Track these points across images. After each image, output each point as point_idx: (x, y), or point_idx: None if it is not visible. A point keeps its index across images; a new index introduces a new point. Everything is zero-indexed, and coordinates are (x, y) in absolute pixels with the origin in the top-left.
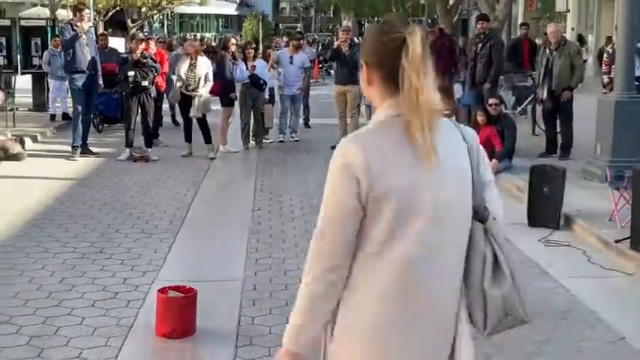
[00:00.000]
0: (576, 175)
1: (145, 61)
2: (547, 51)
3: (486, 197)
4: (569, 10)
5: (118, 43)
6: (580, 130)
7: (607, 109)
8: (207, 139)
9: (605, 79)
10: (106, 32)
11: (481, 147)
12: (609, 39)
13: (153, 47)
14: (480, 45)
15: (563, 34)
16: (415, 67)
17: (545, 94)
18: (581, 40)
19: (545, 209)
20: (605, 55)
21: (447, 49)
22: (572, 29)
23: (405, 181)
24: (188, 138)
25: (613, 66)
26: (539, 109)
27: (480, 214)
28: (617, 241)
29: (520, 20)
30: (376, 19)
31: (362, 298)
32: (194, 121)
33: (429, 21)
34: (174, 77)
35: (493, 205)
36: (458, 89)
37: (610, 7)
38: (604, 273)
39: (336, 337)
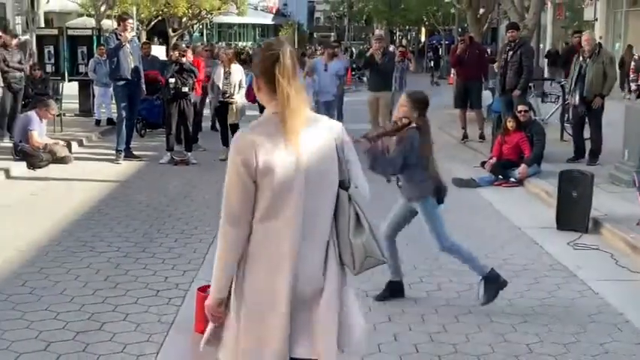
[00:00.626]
0: (604, 180)
1: (184, 68)
2: (580, 58)
3: (352, 172)
4: (596, 19)
5: (159, 51)
6: (607, 136)
7: (635, 116)
8: (226, 143)
9: (633, 86)
10: (148, 41)
11: (347, 135)
12: (630, 47)
13: (190, 56)
14: (510, 53)
15: (598, 42)
16: (286, 75)
17: (577, 100)
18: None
19: (573, 213)
20: (632, 63)
21: (477, 57)
22: (600, 38)
23: (279, 161)
24: (225, 142)
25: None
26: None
27: (344, 184)
28: None
29: (549, 29)
30: (407, 27)
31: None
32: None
33: (460, 30)
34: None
35: (358, 179)
36: (487, 96)
37: (637, 15)
38: (631, 276)
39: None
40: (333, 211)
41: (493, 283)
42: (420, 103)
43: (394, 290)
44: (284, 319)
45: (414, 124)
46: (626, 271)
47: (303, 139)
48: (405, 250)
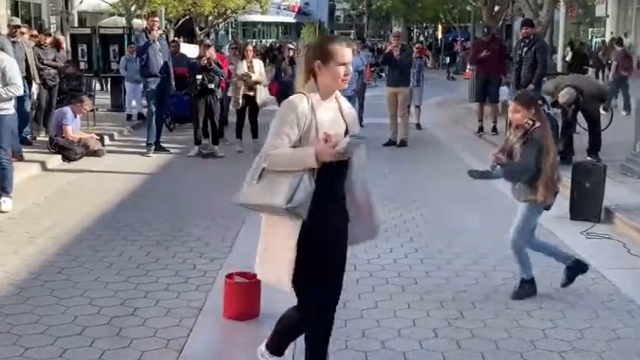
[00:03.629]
0: (616, 171)
1: (211, 65)
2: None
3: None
4: (608, 16)
5: (192, 50)
6: (621, 128)
7: None
8: (255, 135)
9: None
10: (176, 39)
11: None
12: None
13: (213, 53)
14: (525, 49)
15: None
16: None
17: None
18: (620, 42)
19: (586, 203)
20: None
21: (498, 53)
22: (612, 33)
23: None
24: (239, 135)
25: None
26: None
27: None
28: None
29: (562, 25)
30: (424, 25)
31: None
32: (246, 119)
33: (484, 30)
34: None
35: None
36: (504, 91)
37: None
38: None
39: None
40: None
41: (526, 288)
42: (532, 103)
43: (576, 270)
44: None
45: (538, 124)
46: (637, 259)
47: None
48: (423, 238)
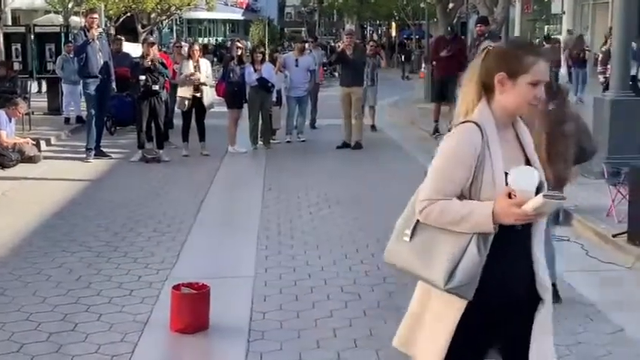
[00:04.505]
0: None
1: (155, 65)
2: None
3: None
4: (564, 12)
5: (135, 49)
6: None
7: (603, 108)
8: (202, 138)
9: (601, 78)
10: (120, 37)
11: None
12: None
13: (156, 52)
14: (480, 47)
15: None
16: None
17: None
18: (581, 41)
19: None
20: (600, 55)
21: (458, 52)
22: (568, 31)
23: None
24: (186, 138)
25: (607, 66)
26: None
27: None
28: (614, 236)
29: (517, 22)
30: (378, 22)
31: None
32: (192, 121)
33: (450, 29)
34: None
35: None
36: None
37: (604, 8)
38: (602, 266)
39: None
40: None
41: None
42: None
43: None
44: None
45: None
46: (596, 261)
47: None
48: (379, 243)
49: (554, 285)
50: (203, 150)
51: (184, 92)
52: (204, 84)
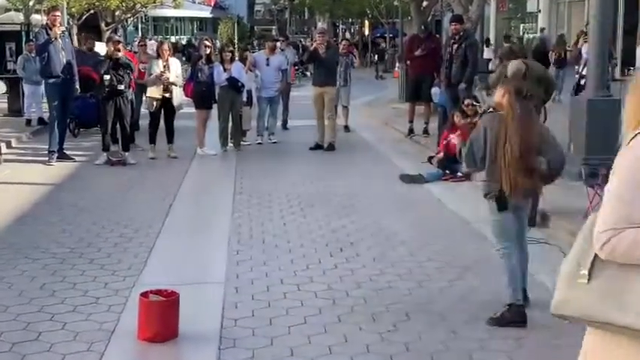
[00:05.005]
0: None
1: (120, 64)
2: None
3: None
4: (540, 11)
5: (99, 48)
6: (554, 130)
7: (580, 108)
8: (170, 140)
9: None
10: (91, 36)
11: None
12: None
13: (122, 49)
14: (455, 46)
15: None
16: None
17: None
18: (563, 41)
19: None
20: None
21: (432, 51)
22: (543, 30)
23: None
24: (153, 140)
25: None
26: None
27: None
28: None
29: (493, 21)
30: (350, 20)
31: None
32: (161, 122)
33: (423, 27)
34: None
35: None
36: (435, 93)
37: (580, 6)
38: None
39: None
40: None
41: (510, 316)
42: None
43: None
44: None
45: (491, 109)
46: None
47: None
48: (353, 247)
49: (524, 289)
50: (171, 152)
51: (153, 92)
52: (174, 84)
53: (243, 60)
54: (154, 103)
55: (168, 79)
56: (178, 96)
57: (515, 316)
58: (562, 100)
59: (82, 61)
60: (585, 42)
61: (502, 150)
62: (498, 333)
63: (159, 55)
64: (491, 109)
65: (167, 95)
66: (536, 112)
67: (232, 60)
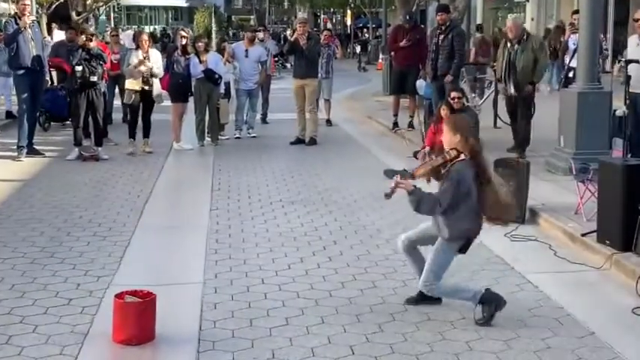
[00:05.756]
0: (540, 168)
1: (93, 54)
2: (508, 45)
3: None
4: (528, 0)
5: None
6: (544, 123)
7: (570, 101)
8: (146, 134)
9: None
10: (74, 27)
11: None
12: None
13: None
14: (441, 36)
15: (525, 28)
16: None
17: (512, 89)
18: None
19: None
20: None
21: (417, 42)
22: (532, 19)
23: None
24: (132, 135)
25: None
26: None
27: None
28: (583, 235)
29: (479, 11)
30: (332, 10)
31: None
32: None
33: (408, 17)
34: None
35: None
36: (420, 85)
37: None
38: (571, 267)
39: None
40: None
41: (491, 307)
42: (462, 127)
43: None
44: None
45: (463, 156)
46: (565, 262)
47: None
48: (337, 246)
49: (481, 301)
50: (146, 147)
51: (133, 84)
52: (155, 75)
53: (220, 51)
54: (133, 95)
55: (150, 68)
56: (158, 88)
57: (492, 304)
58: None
59: (56, 51)
60: (573, 33)
61: (486, 193)
62: (487, 334)
63: (138, 47)
64: (461, 157)
65: (147, 87)
66: None
67: (207, 51)
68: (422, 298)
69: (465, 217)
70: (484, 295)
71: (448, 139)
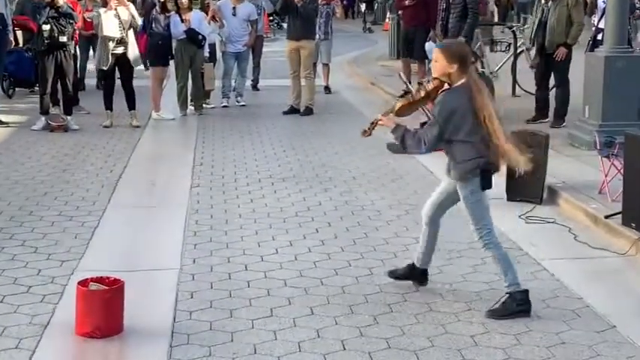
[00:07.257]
0: (562, 141)
1: (62, 12)
2: (542, 1)
3: None
4: None
5: None
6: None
7: (596, 66)
8: (132, 105)
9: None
10: None
11: None
12: None
13: None
14: None
15: None
16: None
17: (536, 58)
18: None
19: (526, 181)
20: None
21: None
22: None
23: None
24: (109, 105)
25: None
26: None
27: None
28: (607, 217)
29: None
30: None
31: None
32: (117, 82)
33: None
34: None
35: None
36: (429, 47)
37: None
38: (592, 253)
39: None
40: None
41: (515, 305)
42: (458, 56)
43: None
44: None
45: (447, 86)
46: (586, 247)
47: None
48: (331, 228)
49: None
50: (133, 120)
51: (105, 48)
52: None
53: (204, 8)
54: (108, 59)
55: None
56: (135, 50)
57: (519, 305)
58: None
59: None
60: None
61: (490, 124)
62: (495, 327)
63: (106, 4)
64: (446, 86)
65: (121, 50)
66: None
67: (190, 8)
68: (407, 275)
69: (471, 147)
70: (520, 291)
71: (440, 67)
